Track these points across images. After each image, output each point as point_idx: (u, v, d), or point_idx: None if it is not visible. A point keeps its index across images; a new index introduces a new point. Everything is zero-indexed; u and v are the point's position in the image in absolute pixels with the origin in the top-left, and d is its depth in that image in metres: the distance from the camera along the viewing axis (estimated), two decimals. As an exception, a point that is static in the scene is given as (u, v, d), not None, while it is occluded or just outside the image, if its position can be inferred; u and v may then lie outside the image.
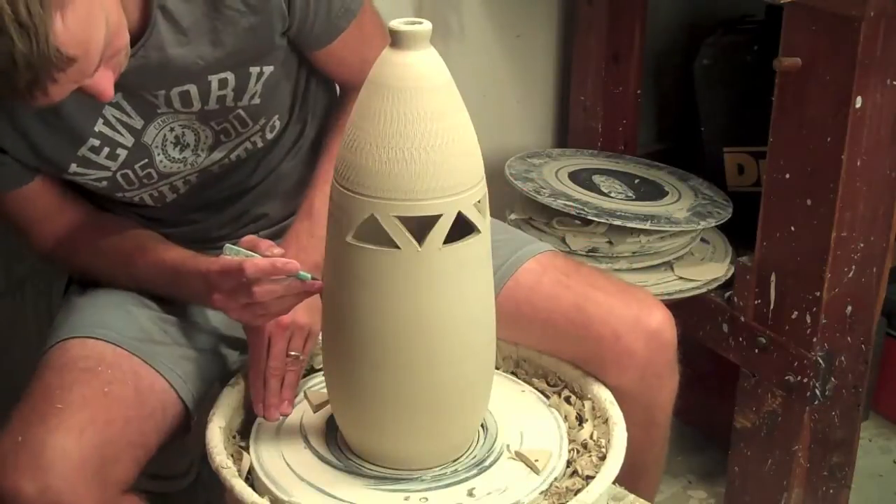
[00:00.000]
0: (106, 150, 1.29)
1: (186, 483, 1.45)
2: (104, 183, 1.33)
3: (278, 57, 1.32)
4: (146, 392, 1.28)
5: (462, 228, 1.10)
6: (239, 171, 1.40)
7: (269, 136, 1.39)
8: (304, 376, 1.37)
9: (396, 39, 1.06)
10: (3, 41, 0.99)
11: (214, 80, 1.28)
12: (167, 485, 1.44)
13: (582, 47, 2.06)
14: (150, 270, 1.33)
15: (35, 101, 1.08)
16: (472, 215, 1.10)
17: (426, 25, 1.06)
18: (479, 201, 1.11)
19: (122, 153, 1.30)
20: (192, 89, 1.27)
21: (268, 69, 1.31)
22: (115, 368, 1.27)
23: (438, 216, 1.07)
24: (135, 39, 1.19)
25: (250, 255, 1.17)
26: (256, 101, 1.33)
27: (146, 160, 1.32)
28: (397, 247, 1.07)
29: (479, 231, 1.11)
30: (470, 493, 1.17)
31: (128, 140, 1.29)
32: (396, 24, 1.06)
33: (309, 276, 1.17)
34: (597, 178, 1.91)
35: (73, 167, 1.30)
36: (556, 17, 2.11)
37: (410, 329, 1.11)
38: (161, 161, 1.32)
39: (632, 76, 2.02)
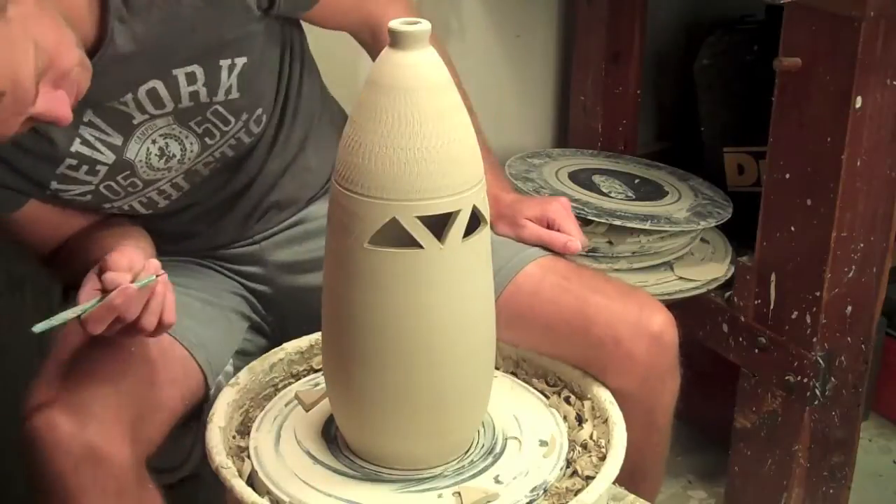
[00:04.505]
0: (85, 167, 1.27)
1: (177, 478, 1.44)
2: (88, 196, 1.31)
3: (252, 47, 1.30)
4: (169, 357, 1.28)
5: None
6: (228, 171, 1.39)
7: (256, 130, 1.36)
8: (299, 378, 1.37)
9: (395, 39, 1.06)
10: None
11: (181, 73, 1.25)
12: (160, 477, 1.43)
13: (582, 47, 2.06)
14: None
15: None
16: (483, 209, 1.11)
17: (425, 25, 1.06)
18: (484, 197, 1.12)
19: (102, 169, 1.28)
20: (159, 86, 1.25)
21: (240, 61, 1.28)
22: None
23: (452, 213, 1.07)
24: (92, 52, 1.17)
25: (65, 315, 1.13)
26: (234, 94, 1.30)
27: (128, 171, 1.30)
28: (420, 247, 1.07)
29: (485, 223, 1.12)
30: (497, 480, 1.18)
31: (108, 157, 1.27)
32: (395, 24, 1.06)
33: (146, 281, 1.15)
34: (597, 178, 1.91)
35: (54, 184, 1.28)
36: (555, 17, 2.11)
37: (419, 328, 1.11)
38: (144, 171, 1.31)
39: (632, 76, 2.03)
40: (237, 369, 1.35)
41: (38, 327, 1.11)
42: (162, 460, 1.37)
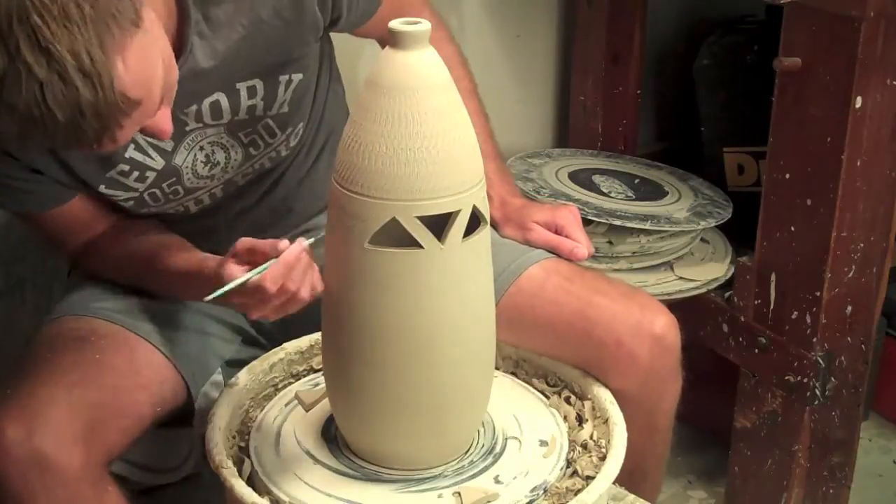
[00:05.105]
0: (135, 173, 1.28)
1: (177, 478, 1.44)
2: (130, 203, 1.32)
3: (309, 64, 1.32)
4: (141, 364, 1.27)
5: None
6: (258, 181, 1.39)
7: (293, 143, 1.38)
8: (299, 378, 1.37)
9: (396, 39, 1.06)
10: (69, 92, 0.95)
11: (243, 87, 1.27)
12: (157, 477, 1.43)
13: (582, 48, 2.06)
14: (174, 274, 1.28)
15: (102, 149, 1.04)
16: (483, 209, 1.11)
17: (425, 25, 1.06)
18: (484, 197, 1.12)
19: (151, 175, 1.29)
20: (223, 99, 1.26)
21: (297, 77, 1.31)
22: (109, 339, 1.27)
23: (452, 213, 1.07)
24: None
25: (247, 276, 1.11)
26: (285, 109, 1.32)
27: (174, 178, 1.31)
28: (420, 247, 1.07)
29: (485, 223, 1.12)
30: (497, 480, 1.18)
31: (158, 163, 1.28)
32: (396, 24, 1.06)
33: (312, 239, 1.15)
34: (597, 178, 1.91)
35: (102, 188, 1.29)
36: (555, 18, 2.11)
37: (419, 328, 1.11)
38: (189, 179, 1.32)
39: (632, 76, 2.02)
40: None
41: (209, 298, 1.10)
42: (157, 461, 1.38)
